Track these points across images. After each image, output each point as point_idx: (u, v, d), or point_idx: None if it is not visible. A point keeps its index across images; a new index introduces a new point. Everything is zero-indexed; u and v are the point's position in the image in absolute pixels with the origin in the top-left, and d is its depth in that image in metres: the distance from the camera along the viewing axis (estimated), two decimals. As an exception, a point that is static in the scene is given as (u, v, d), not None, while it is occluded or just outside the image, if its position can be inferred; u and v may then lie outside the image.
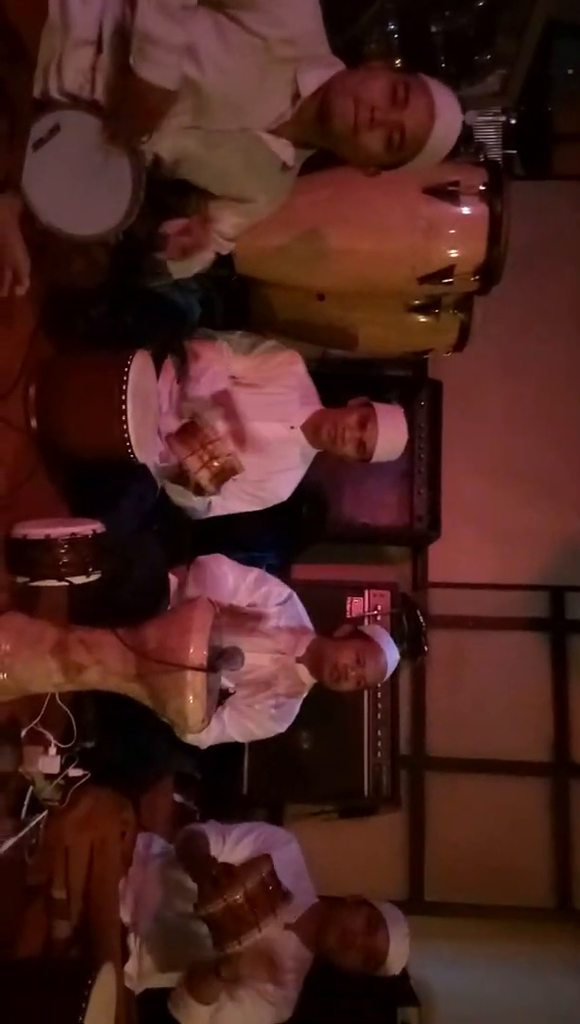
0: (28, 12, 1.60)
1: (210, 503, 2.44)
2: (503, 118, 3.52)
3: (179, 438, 2.15)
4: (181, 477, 2.24)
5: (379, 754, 3.18)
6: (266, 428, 2.48)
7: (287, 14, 1.68)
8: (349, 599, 3.25)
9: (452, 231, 2.64)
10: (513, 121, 3.57)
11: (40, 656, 1.71)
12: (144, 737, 2.21)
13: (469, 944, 3.40)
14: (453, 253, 2.64)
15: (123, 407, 1.86)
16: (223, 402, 2.40)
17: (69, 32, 1.66)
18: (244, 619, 2.47)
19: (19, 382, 1.88)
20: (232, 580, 2.50)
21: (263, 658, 2.44)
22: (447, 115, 1.79)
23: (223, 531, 2.59)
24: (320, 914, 2.34)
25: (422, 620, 3.35)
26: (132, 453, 1.91)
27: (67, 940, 2.09)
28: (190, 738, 2.24)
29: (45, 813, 1.93)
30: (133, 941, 2.26)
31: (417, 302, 2.83)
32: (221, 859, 2.18)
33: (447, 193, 2.60)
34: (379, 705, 3.21)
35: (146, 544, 2.30)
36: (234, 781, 3.05)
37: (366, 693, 3.14)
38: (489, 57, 3.41)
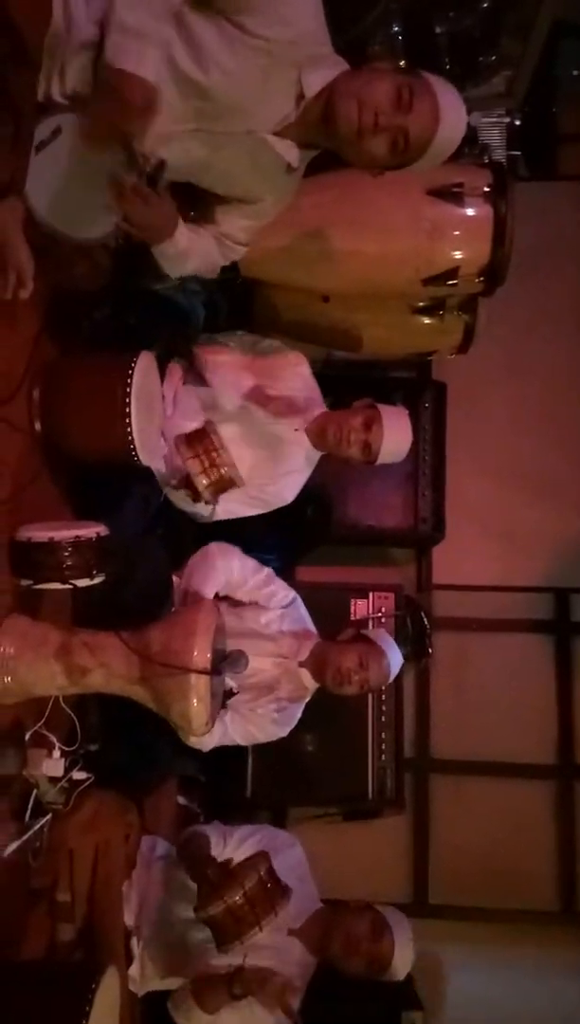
0: (31, 14, 1.59)
1: (214, 509, 2.44)
2: (508, 119, 3.49)
3: (186, 441, 2.18)
4: (183, 481, 2.24)
5: (383, 757, 3.18)
6: (275, 428, 2.49)
7: (288, 14, 1.67)
8: (353, 601, 3.25)
9: (456, 232, 2.64)
10: (518, 122, 3.54)
11: (44, 659, 1.71)
12: (148, 740, 2.21)
13: (473, 947, 3.39)
14: (457, 254, 2.64)
15: (127, 409, 1.86)
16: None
17: (72, 35, 1.66)
18: (240, 610, 2.47)
19: (23, 385, 1.87)
20: (238, 573, 2.50)
21: (266, 662, 2.44)
22: (452, 117, 1.78)
23: (227, 533, 2.59)
24: (324, 919, 2.34)
25: (426, 622, 3.35)
26: (136, 456, 1.91)
27: (71, 943, 2.08)
28: (193, 741, 2.22)
29: (49, 816, 1.93)
30: (137, 944, 2.26)
31: (421, 303, 2.83)
32: (222, 860, 2.17)
33: (451, 194, 2.60)
34: (383, 708, 3.21)
35: (150, 547, 2.30)
36: (238, 784, 3.05)
37: (370, 696, 3.14)
38: (494, 58, 3.38)
